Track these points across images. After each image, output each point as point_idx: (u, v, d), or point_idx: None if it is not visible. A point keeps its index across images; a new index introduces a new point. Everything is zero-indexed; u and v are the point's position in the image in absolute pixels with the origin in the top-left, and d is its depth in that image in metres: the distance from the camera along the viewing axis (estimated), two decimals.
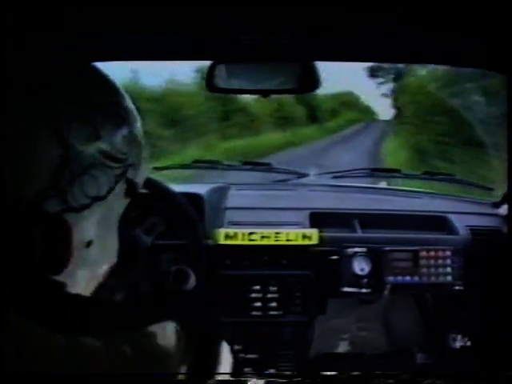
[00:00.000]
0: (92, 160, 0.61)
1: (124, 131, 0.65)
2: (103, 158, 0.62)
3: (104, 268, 0.70)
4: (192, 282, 1.14)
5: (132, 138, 0.67)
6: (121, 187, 0.67)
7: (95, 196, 0.63)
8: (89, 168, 0.61)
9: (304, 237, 1.63)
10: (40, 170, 0.59)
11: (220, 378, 0.67)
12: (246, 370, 1.60)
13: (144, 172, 0.70)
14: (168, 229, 1.58)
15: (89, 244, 0.65)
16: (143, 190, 1.55)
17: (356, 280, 1.62)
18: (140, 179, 0.70)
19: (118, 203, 0.68)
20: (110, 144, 0.63)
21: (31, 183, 0.59)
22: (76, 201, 0.61)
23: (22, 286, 0.60)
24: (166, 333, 0.64)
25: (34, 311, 0.59)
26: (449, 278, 1.63)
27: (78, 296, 0.64)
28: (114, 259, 0.71)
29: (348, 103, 31.23)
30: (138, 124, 0.69)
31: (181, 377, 0.64)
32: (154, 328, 0.63)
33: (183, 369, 0.64)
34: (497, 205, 1.86)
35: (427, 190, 2.05)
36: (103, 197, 0.64)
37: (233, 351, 0.77)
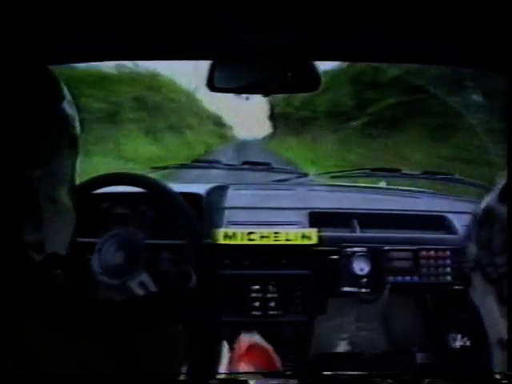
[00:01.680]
0: (41, 119, 0.68)
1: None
2: (49, 116, 0.69)
3: (69, 221, 0.76)
4: (194, 282, 1.14)
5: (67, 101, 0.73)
6: (64, 142, 0.72)
7: (50, 153, 0.69)
8: (40, 127, 0.67)
9: (303, 236, 1.63)
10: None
11: (220, 377, 0.67)
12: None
13: (78, 124, 0.75)
14: (168, 228, 1.58)
15: (53, 200, 0.71)
16: (143, 190, 1.56)
17: (355, 280, 1.62)
18: (76, 132, 0.75)
19: (66, 158, 0.74)
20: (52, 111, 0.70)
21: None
22: (34, 161, 0.67)
23: (23, 286, 0.60)
24: (168, 333, 0.64)
25: (35, 311, 0.59)
26: (448, 277, 1.63)
27: (79, 296, 0.64)
28: (73, 215, 0.77)
29: None
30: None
31: (181, 377, 0.64)
32: (156, 328, 0.63)
33: (184, 368, 0.64)
34: None
35: (427, 190, 2.05)
36: (56, 153, 0.70)
37: (232, 351, 0.77)
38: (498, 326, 0.73)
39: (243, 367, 0.81)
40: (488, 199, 0.77)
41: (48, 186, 0.70)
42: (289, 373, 1.60)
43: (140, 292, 1.36)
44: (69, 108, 0.72)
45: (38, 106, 0.68)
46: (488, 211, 0.76)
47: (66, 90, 0.73)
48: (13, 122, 0.66)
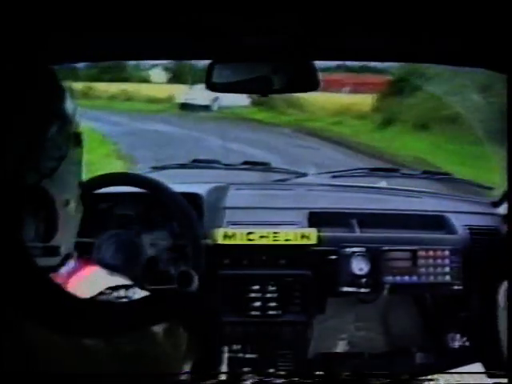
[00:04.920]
0: (45, 124, 0.67)
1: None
2: (54, 119, 0.68)
3: (78, 220, 0.76)
4: (196, 283, 1.14)
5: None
6: (71, 140, 0.72)
7: (59, 156, 0.68)
8: (46, 132, 0.66)
9: (302, 236, 1.63)
10: (13, 149, 0.64)
11: (221, 378, 0.67)
12: (245, 369, 1.60)
13: (79, 121, 0.75)
14: (168, 228, 1.58)
15: (67, 203, 0.71)
16: (143, 190, 1.56)
17: (355, 280, 1.62)
18: (79, 129, 0.75)
19: (74, 156, 0.73)
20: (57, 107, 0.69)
21: (8, 164, 0.63)
22: (46, 167, 0.66)
23: (22, 286, 0.60)
24: (168, 334, 0.63)
25: (35, 312, 0.59)
26: (447, 277, 1.63)
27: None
28: (81, 210, 0.77)
29: None
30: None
31: (182, 377, 0.64)
32: (156, 329, 0.63)
33: (185, 369, 0.64)
34: (496, 204, 1.86)
35: (426, 190, 2.05)
36: (65, 155, 0.69)
37: (232, 351, 0.77)
38: None
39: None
40: None
41: (61, 189, 0.70)
42: (288, 372, 1.60)
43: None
44: (71, 106, 0.72)
45: (42, 105, 0.68)
46: None
47: (66, 89, 0.73)
48: (21, 124, 0.65)
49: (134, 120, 10.71)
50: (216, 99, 11.11)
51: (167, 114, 11.67)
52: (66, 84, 0.73)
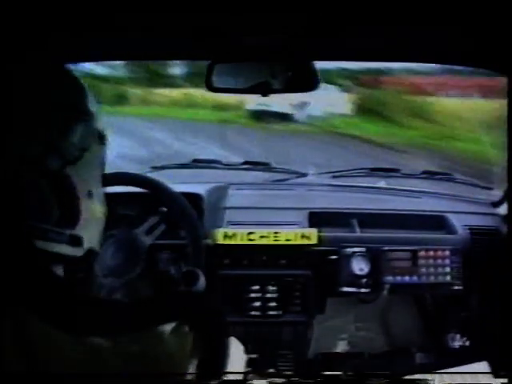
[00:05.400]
0: (71, 117, 0.70)
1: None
2: (77, 114, 0.71)
3: (103, 216, 0.78)
4: (202, 283, 1.14)
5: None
6: (95, 136, 0.75)
7: (82, 147, 0.70)
8: (71, 124, 0.69)
9: (303, 236, 1.63)
10: (37, 132, 0.67)
11: (224, 378, 0.67)
12: (245, 369, 1.60)
13: (101, 120, 0.78)
14: (168, 228, 1.58)
15: (90, 194, 0.73)
16: (143, 190, 1.56)
17: (355, 280, 1.62)
18: (103, 128, 0.78)
19: (97, 152, 0.76)
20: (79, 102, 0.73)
21: (32, 145, 0.66)
22: (70, 154, 0.69)
23: (28, 281, 0.60)
24: (174, 333, 0.64)
25: (42, 311, 0.59)
26: (448, 277, 1.63)
27: (86, 296, 0.65)
28: (105, 207, 0.79)
29: None
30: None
31: (188, 377, 0.64)
32: (162, 329, 0.63)
33: (190, 369, 0.64)
34: (496, 204, 1.86)
35: (426, 190, 2.05)
36: (88, 147, 0.72)
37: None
38: None
39: None
40: None
41: (84, 180, 0.72)
42: (288, 372, 1.60)
43: (139, 292, 1.36)
44: (93, 104, 0.75)
45: (67, 103, 0.71)
46: None
47: (87, 88, 0.75)
48: (43, 112, 0.68)
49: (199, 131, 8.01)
50: (303, 105, 8.44)
51: (236, 125, 8.99)
52: (86, 84, 0.76)
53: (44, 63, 0.74)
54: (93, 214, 0.75)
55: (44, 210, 0.67)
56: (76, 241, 0.70)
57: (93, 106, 0.74)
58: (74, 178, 0.70)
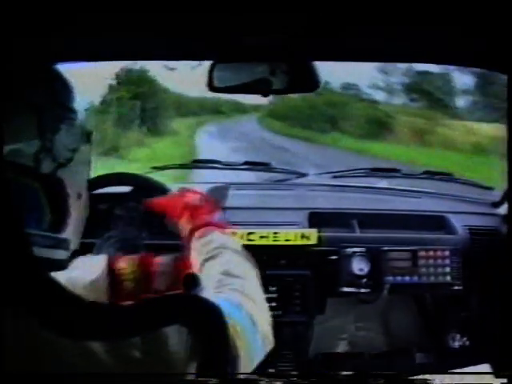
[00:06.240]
0: (60, 116, 0.70)
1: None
2: (66, 113, 0.71)
3: (85, 217, 0.78)
4: (201, 286, 1.14)
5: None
6: (82, 135, 0.74)
7: (73, 148, 0.70)
8: (61, 124, 0.69)
9: (303, 237, 1.63)
10: (29, 135, 0.66)
11: (225, 378, 0.67)
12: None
13: (88, 121, 0.77)
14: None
15: (79, 196, 0.73)
16: (143, 190, 1.56)
17: (355, 280, 1.62)
18: (90, 128, 0.78)
19: (85, 151, 0.75)
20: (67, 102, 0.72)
21: (24, 150, 0.65)
22: (62, 156, 0.68)
23: (26, 285, 0.60)
24: (173, 335, 0.63)
25: (40, 314, 0.59)
26: (447, 277, 1.63)
27: (85, 300, 0.64)
28: (88, 208, 0.79)
29: None
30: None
31: (189, 377, 0.64)
32: (162, 331, 0.63)
33: (190, 371, 0.64)
34: (496, 204, 1.86)
35: (426, 190, 2.05)
36: (78, 148, 0.72)
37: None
38: None
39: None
40: None
41: (75, 181, 0.72)
42: (288, 373, 1.60)
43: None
44: (80, 104, 0.74)
45: (56, 105, 0.70)
46: None
47: (74, 88, 0.74)
48: (33, 114, 0.67)
49: None
50: None
51: None
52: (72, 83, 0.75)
53: (31, 61, 0.73)
54: (80, 216, 0.74)
55: (36, 216, 0.66)
56: (64, 244, 0.70)
57: (78, 105, 0.74)
58: (66, 181, 0.69)
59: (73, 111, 0.71)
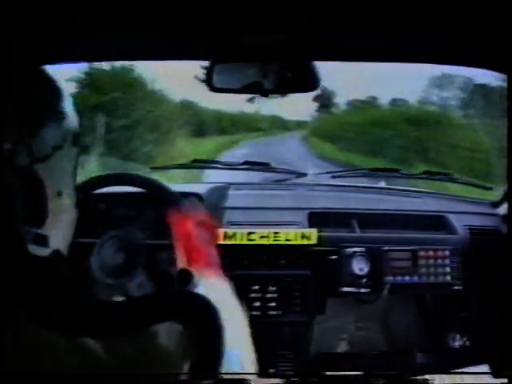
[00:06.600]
0: (45, 114, 0.71)
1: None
2: (51, 112, 0.72)
3: (72, 219, 0.79)
4: (195, 282, 1.15)
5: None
6: (69, 136, 0.75)
7: (54, 145, 0.71)
8: (44, 120, 0.70)
9: (303, 237, 1.63)
10: (9, 128, 0.67)
11: (221, 377, 0.67)
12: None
13: (77, 124, 0.78)
14: (167, 228, 1.58)
15: (59, 193, 0.73)
16: (142, 190, 1.56)
17: (355, 280, 1.62)
18: (77, 130, 0.78)
19: (69, 152, 0.76)
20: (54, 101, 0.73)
21: (3, 141, 0.66)
22: (40, 151, 0.69)
23: (23, 284, 0.60)
24: (168, 333, 0.63)
25: (37, 313, 0.59)
26: (448, 277, 1.64)
27: (80, 297, 0.65)
28: (75, 214, 0.79)
29: None
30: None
31: (183, 377, 0.64)
32: (156, 328, 0.63)
33: (185, 369, 0.64)
34: (496, 204, 1.86)
35: (426, 190, 2.05)
36: (60, 145, 0.72)
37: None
38: None
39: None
40: None
41: (54, 179, 0.72)
42: (288, 373, 1.60)
43: (138, 293, 1.36)
44: (69, 106, 0.75)
45: (41, 103, 0.71)
46: None
47: (64, 89, 0.74)
48: (18, 117, 0.68)
49: None
50: None
51: None
52: (62, 84, 0.76)
53: (19, 63, 0.74)
54: (61, 215, 0.74)
55: (14, 208, 0.67)
56: (42, 240, 0.70)
57: (68, 108, 0.75)
58: (43, 176, 0.70)
59: (59, 112, 0.72)
